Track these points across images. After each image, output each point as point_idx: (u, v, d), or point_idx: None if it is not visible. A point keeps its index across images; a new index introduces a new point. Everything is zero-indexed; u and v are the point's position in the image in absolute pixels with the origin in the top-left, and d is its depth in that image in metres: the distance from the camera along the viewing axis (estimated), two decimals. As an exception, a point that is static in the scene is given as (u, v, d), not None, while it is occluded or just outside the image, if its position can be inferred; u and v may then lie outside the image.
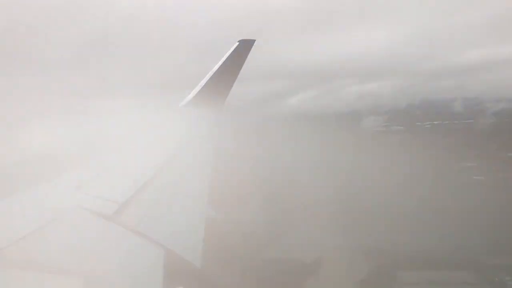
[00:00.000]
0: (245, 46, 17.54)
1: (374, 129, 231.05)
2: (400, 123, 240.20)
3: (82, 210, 4.32)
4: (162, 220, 4.91)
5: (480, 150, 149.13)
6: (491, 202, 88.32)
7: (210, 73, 17.54)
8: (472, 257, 67.11)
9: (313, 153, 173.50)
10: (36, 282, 2.76)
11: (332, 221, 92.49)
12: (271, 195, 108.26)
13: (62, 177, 5.16)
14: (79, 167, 5.70)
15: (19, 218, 3.77)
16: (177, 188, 6.51)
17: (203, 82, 17.65)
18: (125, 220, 4.43)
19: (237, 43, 17.74)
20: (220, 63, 17.58)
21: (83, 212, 4.27)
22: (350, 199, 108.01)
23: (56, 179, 5.00)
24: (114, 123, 12.45)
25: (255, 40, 17.73)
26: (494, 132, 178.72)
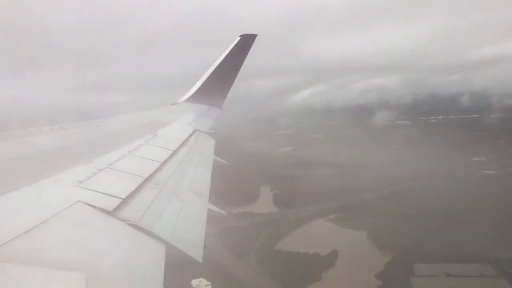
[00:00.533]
0: (246, 41, 17.03)
1: (379, 123, 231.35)
2: (405, 117, 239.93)
3: (84, 205, 4.24)
4: (163, 216, 4.90)
5: (487, 145, 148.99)
6: (503, 196, 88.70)
7: (212, 68, 17.04)
8: (486, 250, 67.79)
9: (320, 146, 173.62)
10: (38, 278, 2.73)
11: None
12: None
13: (63, 172, 5.13)
14: (81, 162, 5.71)
15: (20, 213, 3.76)
16: (179, 183, 6.45)
17: (204, 77, 17.12)
18: (126, 215, 4.39)
19: (239, 38, 17.24)
20: (221, 58, 17.07)
21: (84, 208, 4.20)
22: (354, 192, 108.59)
23: (57, 174, 4.98)
24: (115, 119, 12.15)
25: (256, 35, 17.35)
26: (502, 126, 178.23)
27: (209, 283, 63.37)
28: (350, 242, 77.57)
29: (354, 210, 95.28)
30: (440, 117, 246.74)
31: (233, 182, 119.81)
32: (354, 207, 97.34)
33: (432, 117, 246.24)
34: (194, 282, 63.89)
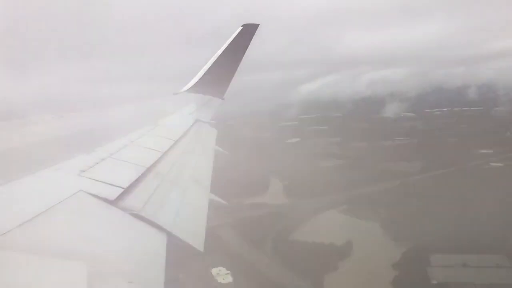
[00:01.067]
0: (248, 31, 17.13)
1: (384, 115, 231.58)
2: (409, 110, 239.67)
3: (85, 194, 4.22)
4: (165, 205, 4.91)
5: (494, 137, 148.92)
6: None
7: (214, 58, 17.01)
8: (499, 241, 68.68)
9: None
10: (39, 267, 2.73)
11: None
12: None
13: (65, 161, 5.11)
14: (82, 152, 5.68)
15: (22, 202, 3.76)
16: (180, 173, 6.47)
17: (206, 66, 17.11)
18: (128, 205, 4.38)
19: (241, 28, 17.24)
20: (223, 47, 17.09)
21: (86, 197, 4.19)
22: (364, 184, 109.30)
23: (59, 163, 4.96)
24: (117, 109, 12.13)
25: (258, 25, 17.19)
26: (508, 119, 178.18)
27: (229, 272, 64.63)
28: (364, 233, 78.42)
29: (365, 201, 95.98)
30: (444, 109, 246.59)
31: (242, 172, 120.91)
32: (365, 198, 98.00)
33: (436, 109, 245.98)
34: (214, 271, 65.07)
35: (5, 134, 6.49)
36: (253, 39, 17.24)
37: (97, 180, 4.70)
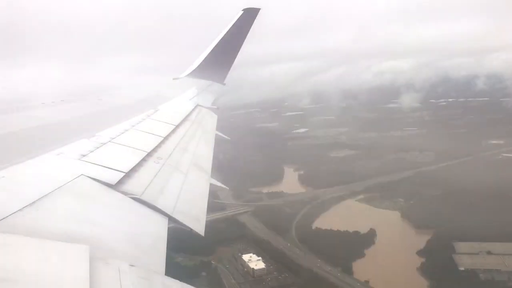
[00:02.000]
0: (250, 15, 17.01)
1: (390, 106, 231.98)
2: (415, 100, 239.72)
3: (87, 179, 4.26)
4: (166, 190, 4.95)
5: (503, 128, 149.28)
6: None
7: (215, 42, 16.90)
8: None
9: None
10: (42, 249, 2.76)
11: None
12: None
13: (66, 146, 5.14)
14: (83, 136, 5.72)
15: (24, 186, 3.80)
16: (181, 158, 6.49)
17: (207, 51, 17.03)
18: (129, 189, 4.43)
19: (242, 12, 17.13)
20: (224, 32, 16.93)
21: (87, 181, 4.24)
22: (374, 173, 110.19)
23: (60, 148, 4.99)
24: (117, 94, 12.18)
25: (260, 9, 17.16)
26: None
27: (260, 258, 66.00)
28: (386, 222, 79.75)
29: (382, 191, 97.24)
30: (450, 100, 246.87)
31: (256, 162, 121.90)
32: (382, 188, 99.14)
33: (442, 100, 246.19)
34: (245, 257, 66.41)
35: (7, 118, 6.60)
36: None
37: (98, 165, 4.76)
